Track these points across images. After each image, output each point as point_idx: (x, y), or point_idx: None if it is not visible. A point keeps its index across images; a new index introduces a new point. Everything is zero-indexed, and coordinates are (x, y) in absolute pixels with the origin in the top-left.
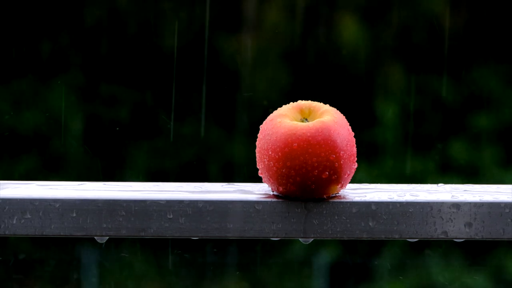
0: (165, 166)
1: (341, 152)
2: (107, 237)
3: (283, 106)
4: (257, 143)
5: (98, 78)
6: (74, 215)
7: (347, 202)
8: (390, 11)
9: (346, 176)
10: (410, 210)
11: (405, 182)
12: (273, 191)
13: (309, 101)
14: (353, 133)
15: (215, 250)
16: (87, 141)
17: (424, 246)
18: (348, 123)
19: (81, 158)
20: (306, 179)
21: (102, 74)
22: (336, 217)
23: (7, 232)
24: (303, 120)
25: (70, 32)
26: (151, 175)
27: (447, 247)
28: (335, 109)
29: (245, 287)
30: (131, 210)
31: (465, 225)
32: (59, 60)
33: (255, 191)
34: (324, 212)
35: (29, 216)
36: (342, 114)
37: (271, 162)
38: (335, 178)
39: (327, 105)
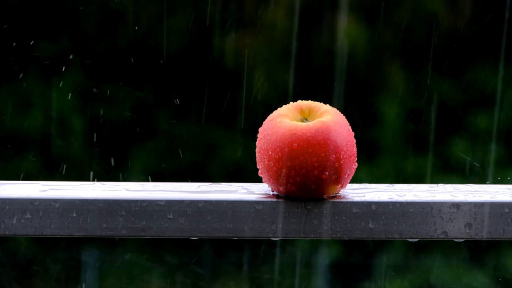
0: (165, 166)
1: (341, 152)
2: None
3: (283, 106)
4: (257, 143)
5: (99, 78)
6: (74, 215)
7: (347, 202)
8: (390, 10)
9: (346, 176)
10: (410, 210)
11: (405, 182)
12: (273, 191)
13: (309, 101)
14: (353, 133)
15: (215, 250)
16: (88, 141)
17: (424, 246)
18: (348, 123)
19: (82, 158)
20: (306, 179)
21: (103, 74)
22: (336, 217)
23: (7, 232)
24: (303, 120)
25: (71, 32)
26: (151, 175)
27: (447, 247)
28: (335, 109)
29: (245, 287)
30: (131, 210)
31: (465, 225)
32: (60, 60)
33: (255, 191)
34: (324, 212)
35: (29, 216)
36: (342, 114)
37: (271, 162)
38: (335, 178)
39: (327, 105)
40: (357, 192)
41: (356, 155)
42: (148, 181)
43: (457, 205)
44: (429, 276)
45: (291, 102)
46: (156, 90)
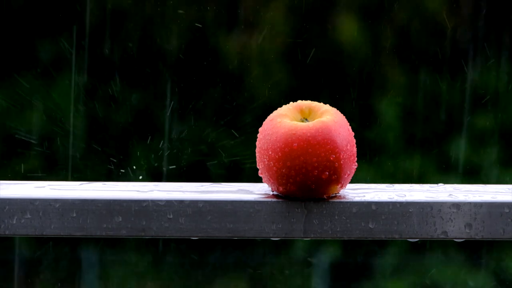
0: (165, 166)
1: (341, 152)
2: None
3: (283, 106)
4: (257, 143)
5: (100, 78)
6: (74, 215)
7: (347, 202)
8: (390, 10)
9: (346, 176)
10: (410, 210)
11: (406, 182)
12: (273, 191)
13: (309, 101)
14: (353, 133)
15: (214, 250)
16: (88, 141)
17: (424, 246)
18: (348, 123)
19: (82, 158)
20: (306, 179)
21: (103, 74)
22: (336, 217)
23: (7, 232)
24: (303, 120)
25: (72, 31)
26: (151, 175)
27: (447, 247)
28: (335, 109)
29: (245, 287)
30: (131, 210)
31: (465, 225)
32: (60, 59)
33: (255, 191)
34: (324, 212)
35: (29, 216)
36: (342, 114)
37: (271, 162)
38: (335, 178)
39: (327, 105)
40: (357, 192)
41: (356, 155)
42: (148, 181)
43: (457, 205)
44: (429, 276)
45: (291, 102)
46: (156, 90)
